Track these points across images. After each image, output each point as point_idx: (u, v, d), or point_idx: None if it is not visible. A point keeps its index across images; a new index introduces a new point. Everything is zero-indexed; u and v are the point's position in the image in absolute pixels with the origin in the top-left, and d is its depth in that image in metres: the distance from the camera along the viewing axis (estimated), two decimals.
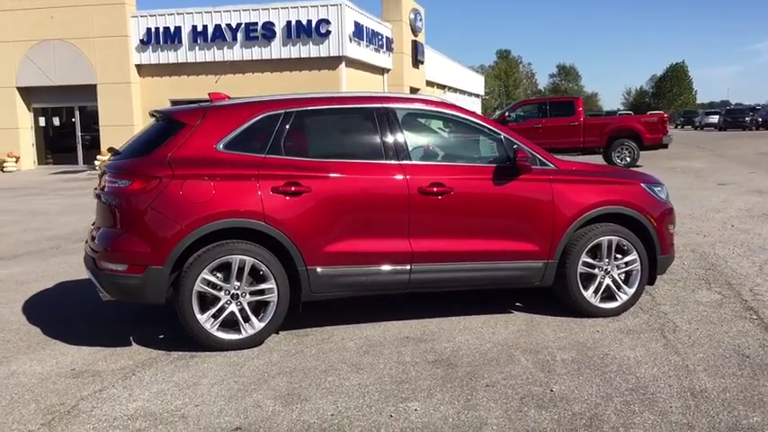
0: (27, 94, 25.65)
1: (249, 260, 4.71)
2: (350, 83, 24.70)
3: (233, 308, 4.73)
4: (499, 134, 5.35)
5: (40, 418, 3.75)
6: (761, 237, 8.51)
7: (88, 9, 24.21)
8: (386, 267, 4.97)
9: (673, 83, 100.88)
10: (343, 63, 24.43)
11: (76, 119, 26.15)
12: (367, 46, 26.57)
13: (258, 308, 4.81)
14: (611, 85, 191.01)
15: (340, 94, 5.62)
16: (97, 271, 4.80)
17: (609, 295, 5.39)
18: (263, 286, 4.77)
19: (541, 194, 5.21)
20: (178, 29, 24.54)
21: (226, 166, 4.78)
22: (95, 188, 5.14)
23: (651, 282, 5.59)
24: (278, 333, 5.06)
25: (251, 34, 24.15)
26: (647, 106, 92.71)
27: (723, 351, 4.54)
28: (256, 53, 24.26)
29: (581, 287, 5.31)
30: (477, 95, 56.50)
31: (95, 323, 5.56)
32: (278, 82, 23.18)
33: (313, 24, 23.92)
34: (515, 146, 5.21)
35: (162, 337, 5.13)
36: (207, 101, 5.35)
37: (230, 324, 4.76)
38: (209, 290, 4.68)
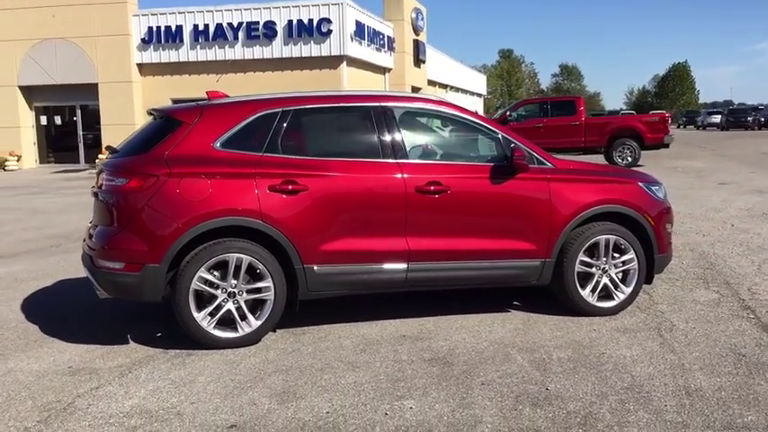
0: (29, 92, 25.70)
1: (246, 258, 4.72)
2: (351, 82, 24.71)
3: (230, 306, 4.74)
4: (497, 133, 5.35)
5: (36, 415, 3.77)
6: (760, 236, 8.50)
7: (90, 8, 24.24)
8: (383, 266, 4.98)
9: (675, 83, 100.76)
10: (345, 62, 24.45)
11: (78, 118, 26.19)
12: (368, 45, 26.59)
13: (255, 306, 4.82)
14: (613, 85, 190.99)
15: (337, 93, 5.63)
16: (94, 269, 4.81)
17: (606, 294, 5.40)
18: (259, 284, 4.78)
19: (539, 193, 5.21)
20: (179, 28, 24.57)
21: (223, 164, 4.79)
22: (93, 186, 5.15)
23: (649, 281, 5.59)
24: (275, 331, 5.07)
25: (252, 33, 24.18)
26: (649, 106, 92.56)
27: (719, 350, 4.54)
28: (257, 52, 24.29)
29: (578, 286, 5.31)
30: (479, 95, 56.49)
31: (93, 321, 5.57)
32: (279, 81, 23.18)
33: (314, 23, 23.94)
34: (513, 145, 5.21)
35: (159, 335, 5.14)
36: (206, 99, 5.36)
37: (227, 322, 4.77)
38: (206, 288, 4.69)
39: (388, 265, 4.98)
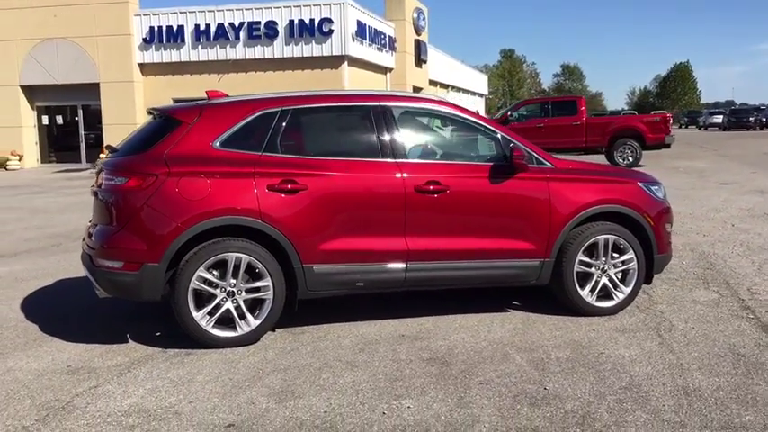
0: (30, 92, 25.75)
1: (245, 258, 4.72)
2: (352, 82, 24.72)
3: (229, 305, 4.74)
4: (496, 133, 5.35)
5: (34, 414, 3.77)
6: (761, 236, 8.49)
7: (91, 8, 24.27)
8: (382, 265, 4.98)
9: (677, 83, 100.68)
10: (346, 62, 24.46)
11: (79, 117, 26.22)
12: (370, 45, 26.60)
13: (254, 305, 4.82)
14: (615, 85, 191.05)
15: (336, 93, 5.63)
16: (94, 268, 4.81)
17: (605, 294, 5.39)
18: (258, 284, 4.78)
19: (538, 193, 5.21)
20: (181, 28, 24.60)
21: (222, 163, 4.79)
22: (92, 185, 5.16)
23: (648, 281, 5.59)
24: (274, 330, 5.07)
25: (253, 33, 24.21)
26: (651, 106, 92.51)
27: (718, 350, 4.53)
28: (259, 52, 24.31)
29: (577, 286, 5.31)
30: (480, 95, 56.50)
31: (93, 320, 5.58)
32: (280, 81, 23.23)
33: (315, 23, 23.96)
34: (512, 144, 5.21)
35: (159, 334, 5.14)
36: (206, 99, 5.36)
37: (226, 321, 4.77)
38: (205, 287, 4.69)
39: (386, 265, 4.98)
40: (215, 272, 4.72)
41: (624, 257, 5.39)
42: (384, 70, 29.68)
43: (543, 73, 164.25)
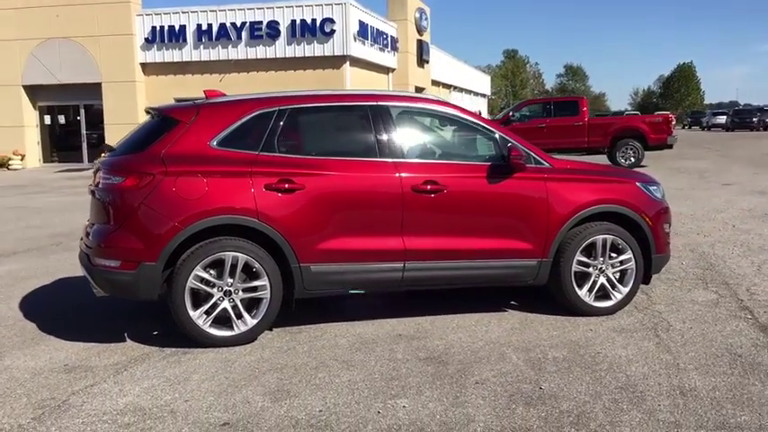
0: (32, 92, 25.78)
1: (242, 257, 4.72)
2: (354, 82, 24.72)
3: (226, 304, 4.74)
4: (494, 132, 5.34)
5: (30, 413, 3.78)
6: (761, 237, 8.47)
7: (93, 7, 24.31)
8: (379, 265, 4.98)
9: (680, 83, 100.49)
10: (348, 62, 24.46)
11: (82, 117, 26.26)
12: (372, 45, 26.60)
13: (251, 305, 4.82)
14: (618, 86, 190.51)
15: (334, 92, 5.62)
16: (91, 267, 4.82)
17: (603, 294, 5.39)
18: (255, 283, 4.78)
19: (536, 193, 5.20)
20: (183, 27, 24.62)
21: (219, 163, 4.79)
22: (90, 185, 5.16)
23: (646, 281, 5.58)
24: (271, 330, 5.07)
25: (255, 33, 24.23)
26: (654, 107, 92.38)
27: (715, 350, 4.53)
28: (261, 52, 24.32)
29: (575, 286, 5.30)
30: (483, 95, 56.47)
31: (91, 319, 5.58)
32: (282, 81, 23.23)
33: (317, 23, 23.96)
34: (509, 144, 5.21)
35: (156, 333, 5.15)
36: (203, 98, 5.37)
37: (223, 320, 4.77)
38: (202, 286, 4.70)
39: (384, 265, 4.98)
40: (212, 271, 4.72)
41: (622, 257, 5.38)
42: (386, 70, 29.69)
43: (546, 73, 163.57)
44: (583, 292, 5.32)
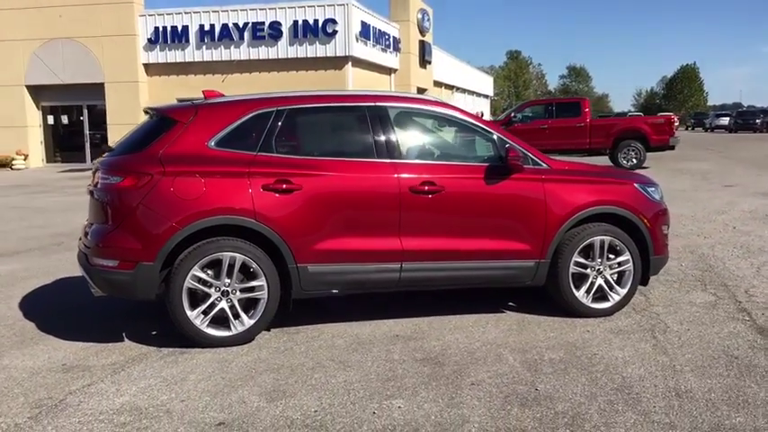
0: (36, 92, 25.85)
1: (240, 257, 4.73)
2: (356, 83, 24.74)
3: (223, 305, 4.75)
4: (492, 134, 5.35)
5: (27, 412, 3.79)
6: (762, 239, 8.46)
7: (96, 8, 24.36)
8: (376, 266, 4.98)
9: (683, 84, 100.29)
10: (350, 63, 24.48)
11: (85, 117, 26.32)
12: (374, 46, 26.61)
13: (249, 305, 4.83)
14: (621, 87, 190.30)
15: (332, 93, 5.63)
16: (89, 267, 4.84)
17: (601, 295, 5.38)
18: (253, 283, 4.79)
19: (533, 194, 5.21)
20: (185, 28, 24.67)
21: (217, 163, 4.81)
22: (89, 185, 5.18)
23: (644, 282, 5.57)
24: (269, 330, 5.08)
25: (258, 34, 24.25)
26: (657, 108, 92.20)
27: (712, 352, 4.52)
28: (263, 53, 24.35)
29: (573, 287, 5.31)
30: (486, 96, 56.44)
31: (90, 319, 5.60)
32: (284, 81, 23.25)
33: (320, 24, 23.98)
34: (507, 145, 5.21)
35: (154, 333, 5.16)
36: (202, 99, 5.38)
37: (221, 321, 4.78)
38: (200, 286, 4.71)
39: (381, 265, 4.99)
40: (209, 271, 4.73)
41: (620, 259, 5.38)
42: (388, 71, 29.69)
43: (549, 74, 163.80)
44: (580, 294, 5.32)
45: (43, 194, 16.26)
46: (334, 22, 23.92)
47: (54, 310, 5.94)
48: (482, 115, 33.96)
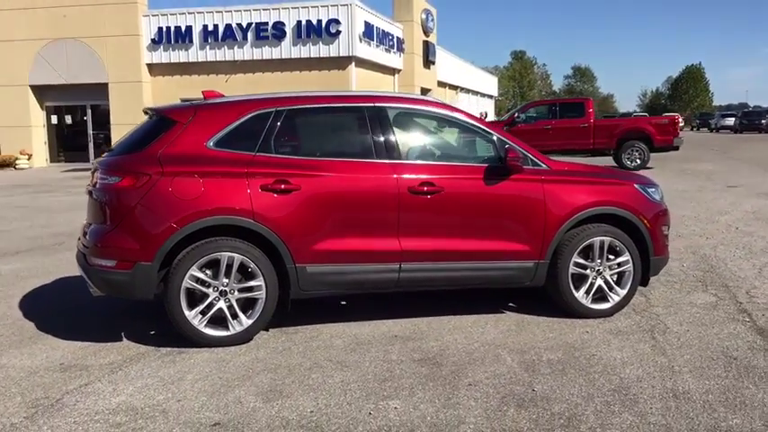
0: (39, 92, 25.91)
1: (238, 257, 4.73)
2: (360, 83, 24.74)
3: (221, 304, 4.75)
4: (491, 134, 5.34)
5: (23, 411, 3.79)
6: (764, 240, 8.42)
7: (100, 8, 24.42)
8: (375, 266, 4.98)
9: (689, 85, 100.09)
10: (353, 63, 24.48)
11: (88, 117, 26.37)
12: (377, 46, 26.61)
13: (247, 305, 4.83)
14: (626, 87, 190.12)
15: (331, 93, 5.62)
16: (87, 266, 4.84)
17: (601, 296, 5.37)
18: (251, 283, 4.79)
19: (533, 194, 5.19)
20: (189, 28, 24.70)
21: (215, 163, 4.81)
22: (88, 185, 5.19)
23: (644, 283, 5.56)
24: (267, 330, 5.08)
25: (261, 34, 24.27)
26: (663, 108, 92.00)
27: (711, 353, 4.50)
28: (266, 53, 24.37)
29: (572, 288, 5.29)
30: (490, 96, 56.37)
31: (89, 318, 5.61)
32: (287, 82, 23.27)
33: (323, 24, 23.99)
34: (507, 146, 5.20)
35: (153, 333, 5.16)
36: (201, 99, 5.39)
37: (219, 321, 4.78)
38: (198, 286, 4.71)
39: (380, 266, 4.98)
40: (208, 271, 4.73)
41: (620, 259, 5.36)
42: (392, 71, 29.69)
43: (554, 75, 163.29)
44: (580, 294, 5.31)
45: (46, 194, 16.30)
46: (337, 22, 23.93)
47: (53, 309, 5.95)
48: (486, 115, 33.94)
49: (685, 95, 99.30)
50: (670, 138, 19.91)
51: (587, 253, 5.31)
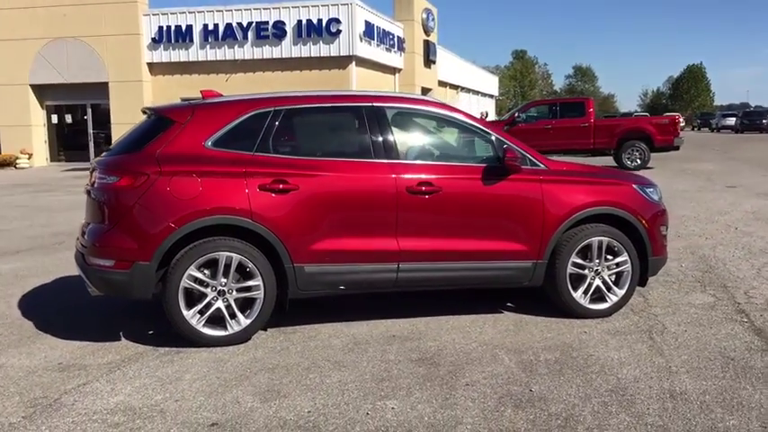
0: (40, 91, 25.89)
1: (236, 257, 4.73)
2: (360, 82, 24.73)
3: (219, 304, 4.76)
4: (490, 134, 5.34)
5: (21, 411, 3.80)
6: (763, 240, 8.42)
7: (101, 7, 24.40)
8: (373, 266, 4.98)
9: (690, 84, 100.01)
10: (354, 62, 24.47)
11: (89, 116, 26.37)
12: (378, 45, 26.59)
13: (245, 305, 4.84)
14: (627, 87, 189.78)
15: (330, 93, 5.62)
16: (86, 266, 4.85)
17: (599, 296, 5.37)
18: (249, 283, 4.80)
19: (531, 194, 5.20)
20: (189, 27, 24.69)
21: (214, 163, 4.81)
22: (86, 184, 5.19)
23: (642, 283, 5.56)
24: (266, 330, 5.09)
25: (261, 33, 24.25)
26: (663, 108, 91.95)
27: (708, 353, 4.50)
28: (267, 52, 24.36)
29: (570, 288, 5.29)
30: (491, 96, 56.35)
31: (88, 318, 5.62)
32: (288, 81, 23.26)
33: (323, 23, 23.97)
34: (505, 146, 5.20)
35: (152, 332, 5.17)
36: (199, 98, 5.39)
37: (217, 320, 4.79)
38: (196, 286, 4.71)
39: (378, 265, 4.98)
40: (206, 271, 4.74)
41: (618, 260, 5.36)
42: (392, 71, 29.67)
43: (555, 74, 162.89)
44: (578, 295, 5.31)
45: (47, 193, 16.30)
46: (338, 21, 23.91)
47: (53, 308, 5.96)
48: (486, 115, 33.92)
49: (686, 95, 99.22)
50: (670, 138, 19.90)
51: (585, 253, 5.31)
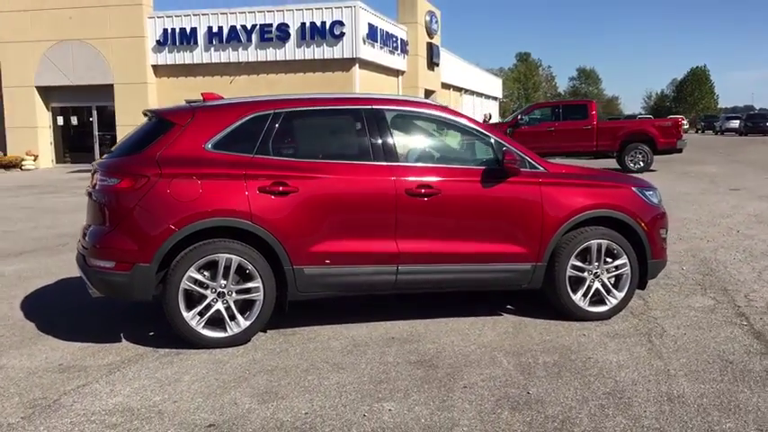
0: (45, 93, 26.03)
1: (236, 259, 4.75)
2: (363, 84, 24.77)
3: (219, 306, 4.78)
4: (489, 137, 5.35)
5: (20, 412, 3.82)
6: (765, 243, 8.41)
7: (106, 10, 24.54)
8: (372, 268, 5.00)
9: (694, 87, 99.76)
10: (357, 65, 24.52)
11: (94, 118, 26.49)
12: (381, 48, 26.64)
13: (245, 306, 4.85)
14: (631, 89, 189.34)
15: (329, 95, 5.64)
16: (87, 268, 4.88)
17: (598, 299, 5.37)
18: (249, 285, 4.82)
19: (530, 197, 5.21)
20: (194, 30, 24.79)
21: (214, 165, 4.83)
22: (88, 186, 5.22)
23: (642, 286, 5.56)
24: (265, 332, 5.10)
25: (265, 35, 24.35)
26: (667, 110, 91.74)
27: (707, 357, 4.50)
28: (270, 54, 24.44)
29: (570, 290, 5.30)
30: (495, 98, 56.35)
31: (89, 319, 5.64)
32: (292, 83, 23.33)
33: (327, 26, 24.04)
34: (504, 148, 5.21)
35: (152, 334, 5.19)
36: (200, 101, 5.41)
37: (216, 322, 4.81)
38: (196, 288, 4.73)
39: (377, 267, 5.00)
40: (206, 273, 4.76)
41: (617, 262, 5.37)
42: (396, 73, 29.71)
43: (559, 77, 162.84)
44: (577, 297, 5.32)
45: (52, 195, 16.36)
46: (341, 24, 23.97)
47: (55, 310, 5.98)
48: (490, 117, 33.92)
49: (690, 98, 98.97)
50: (673, 140, 19.88)
51: (585, 256, 5.32)
